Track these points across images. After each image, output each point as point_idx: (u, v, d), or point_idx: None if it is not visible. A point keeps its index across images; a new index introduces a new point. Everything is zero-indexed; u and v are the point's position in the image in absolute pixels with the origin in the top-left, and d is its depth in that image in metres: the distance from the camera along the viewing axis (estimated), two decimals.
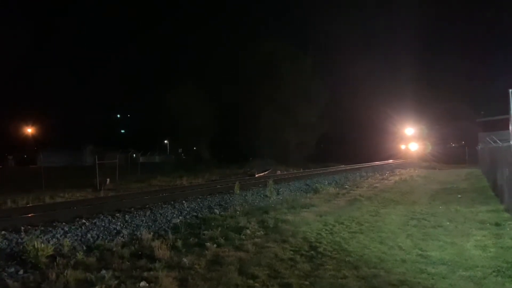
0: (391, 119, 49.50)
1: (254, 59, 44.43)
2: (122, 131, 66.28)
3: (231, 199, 12.80)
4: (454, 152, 48.72)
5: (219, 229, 8.47)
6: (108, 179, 20.81)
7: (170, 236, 7.76)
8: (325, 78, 48.27)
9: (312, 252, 6.92)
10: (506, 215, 9.75)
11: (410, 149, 50.97)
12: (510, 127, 9.86)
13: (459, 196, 13.98)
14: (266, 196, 13.83)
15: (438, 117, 52.67)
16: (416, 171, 29.59)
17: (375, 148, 50.21)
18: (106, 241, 7.60)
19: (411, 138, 51.84)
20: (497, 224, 8.77)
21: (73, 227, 8.30)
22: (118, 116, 63.55)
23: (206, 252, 6.85)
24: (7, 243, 7.06)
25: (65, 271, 5.57)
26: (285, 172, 27.99)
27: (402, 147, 52.60)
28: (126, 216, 9.63)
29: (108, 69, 58.91)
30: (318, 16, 65.36)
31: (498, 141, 13.88)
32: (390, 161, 42.43)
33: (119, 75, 58.21)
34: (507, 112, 9.74)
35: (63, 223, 8.74)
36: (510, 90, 9.55)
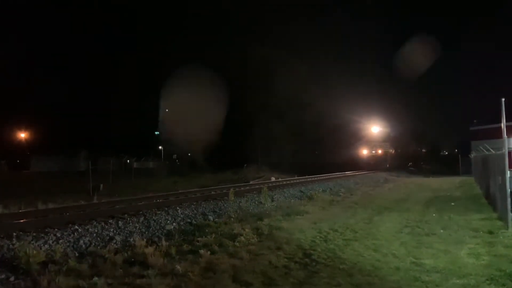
0: (362, 123, 42.29)
1: (248, 66, 44.72)
2: (156, 132, 64.13)
3: (225, 205, 12.74)
4: (445, 160, 46.82)
5: (213, 236, 8.44)
6: (101, 185, 20.68)
7: (164, 243, 7.70)
8: (316, 86, 48.24)
9: (307, 259, 6.91)
10: (499, 223, 9.81)
11: (380, 156, 41.74)
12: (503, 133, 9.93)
13: (453, 204, 14.05)
14: (261, 203, 13.80)
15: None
16: (410, 179, 29.77)
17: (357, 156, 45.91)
18: (99, 247, 7.52)
19: (384, 143, 42.26)
20: (490, 232, 8.82)
21: (65, 233, 8.21)
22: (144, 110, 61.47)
23: (200, 259, 6.80)
24: None
25: (57, 278, 5.51)
26: (279, 179, 27.96)
27: (364, 152, 42.23)
28: (119, 222, 9.54)
29: (103, 74, 58.85)
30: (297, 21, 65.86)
31: (491, 149, 14.00)
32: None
33: (114, 80, 58.13)
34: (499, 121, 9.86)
35: (56, 229, 8.63)
36: (503, 99, 9.67)
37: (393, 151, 44.14)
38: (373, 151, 41.40)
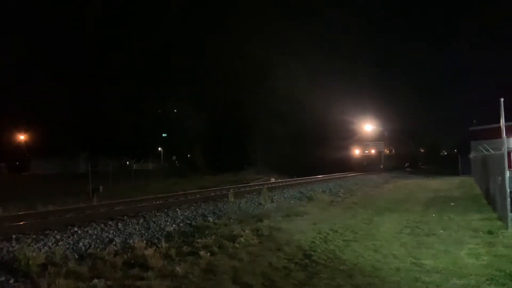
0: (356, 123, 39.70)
1: (249, 67, 44.76)
2: (164, 134, 63.64)
3: (225, 207, 12.74)
4: (445, 161, 46.44)
5: (213, 237, 8.42)
6: (101, 187, 20.64)
7: (164, 244, 7.70)
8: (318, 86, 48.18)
9: (307, 260, 6.90)
10: (499, 223, 9.81)
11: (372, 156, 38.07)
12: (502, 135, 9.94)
13: (452, 204, 14.05)
14: (260, 204, 13.79)
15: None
16: (410, 179, 29.78)
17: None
18: (98, 249, 7.51)
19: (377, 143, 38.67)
20: (490, 232, 8.81)
21: (65, 235, 8.20)
22: (160, 111, 60.86)
23: (200, 260, 6.79)
24: None
25: (57, 280, 5.50)
26: (279, 180, 27.95)
27: (356, 152, 38.98)
28: (119, 224, 9.53)
29: (102, 77, 58.87)
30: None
31: (490, 149, 14.01)
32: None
33: (114, 82, 58.10)
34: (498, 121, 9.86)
35: (55, 231, 8.63)
36: (502, 99, 9.68)
37: (388, 151, 41.58)
38: (366, 151, 38.81)
